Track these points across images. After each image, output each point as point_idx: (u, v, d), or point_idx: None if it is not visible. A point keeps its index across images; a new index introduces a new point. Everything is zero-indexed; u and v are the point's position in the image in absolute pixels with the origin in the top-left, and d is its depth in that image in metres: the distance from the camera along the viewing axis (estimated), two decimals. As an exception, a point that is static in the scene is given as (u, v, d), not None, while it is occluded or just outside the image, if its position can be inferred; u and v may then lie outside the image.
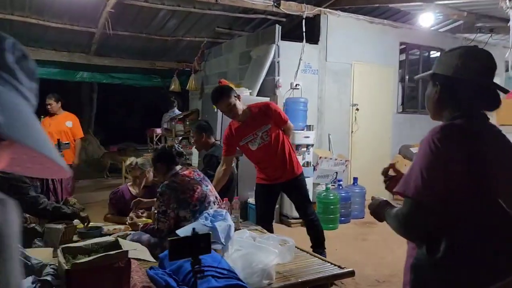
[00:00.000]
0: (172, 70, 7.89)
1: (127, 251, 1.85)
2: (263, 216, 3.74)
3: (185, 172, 2.84)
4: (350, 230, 5.18)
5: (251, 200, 5.12)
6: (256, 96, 5.38)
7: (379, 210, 1.51)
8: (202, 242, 1.60)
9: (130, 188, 3.90)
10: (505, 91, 1.44)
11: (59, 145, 4.38)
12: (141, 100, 13.91)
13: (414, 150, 6.34)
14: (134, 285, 1.97)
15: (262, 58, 5.34)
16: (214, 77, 6.93)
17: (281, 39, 5.48)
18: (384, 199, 1.56)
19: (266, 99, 5.32)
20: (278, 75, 5.35)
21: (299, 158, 5.26)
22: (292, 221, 5.26)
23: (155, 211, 2.76)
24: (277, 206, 5.31)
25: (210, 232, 1.65)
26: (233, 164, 4.15)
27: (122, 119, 14.28)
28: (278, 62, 5.36)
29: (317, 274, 2.32)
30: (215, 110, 4.99)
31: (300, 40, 5.56)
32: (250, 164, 5.11)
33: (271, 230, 3.73)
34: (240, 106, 3.33)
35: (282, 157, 3.47)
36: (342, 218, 5.37)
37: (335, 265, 2.50)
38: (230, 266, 2.16)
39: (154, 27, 6.29)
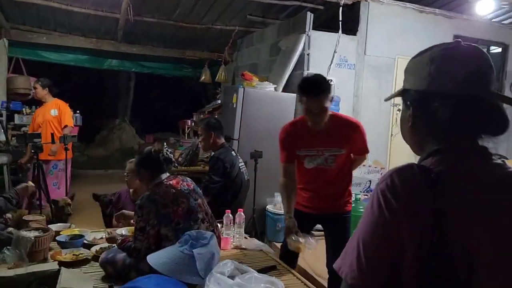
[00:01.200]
0: (203, 60, 7.50)
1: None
2: (289, 252, 2.83)
3: (171, 182, 2.40)
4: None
5: (271, 208, 4.63)
6: (282, 92, 4.85)
7: None
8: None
9: (131, 191, 3.54)
10: None
11: (64, 138, 4.10)
12: (184, 90, 13.69)
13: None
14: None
15: (290, 50, 4.79)
16: (245, 68, 6.44)
17: (315, 29, 4.89)
18: None
19: (293, 96, 4.79)
20: (308, 69, 4.78)
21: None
22: (316, 233, 4.69)
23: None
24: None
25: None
26: (243, 168, 3.66)
27: (162, 109, 14.17)
28: (308, 54, 4.78)
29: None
30: (234, 106, 4.52)
31: (336, 31, 4.94)
32: (270, 165, 4.63)
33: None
34: (327, 113, 2.53)
35: (338, 189, 2.73)
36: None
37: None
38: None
39: (181, 13, 5.89)
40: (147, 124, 12.73)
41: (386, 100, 1.27)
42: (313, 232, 2.96)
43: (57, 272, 1.67)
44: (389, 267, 0.85)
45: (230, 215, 3.02)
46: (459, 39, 1.02)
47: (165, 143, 2.67)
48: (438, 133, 0.95)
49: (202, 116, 7.26)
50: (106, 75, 11.78)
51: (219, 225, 3.14)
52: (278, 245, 4.51)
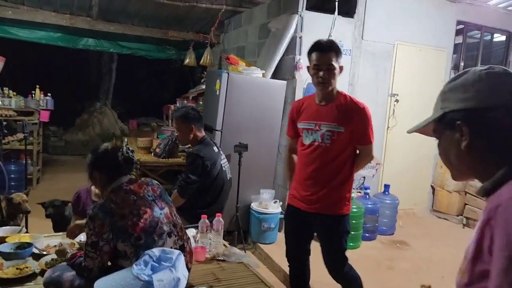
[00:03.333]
0: (188, 42, 6.97)
1: None
2: (291, 253, 2.83)
3: (132, 187, 1.97)
4: (374, 252, 4.19)
5: (255, 206, 4.23)
6: (271, 78, 4.40)
7: None
8: None
9: (93, 190, 3.10)
10: None
11: (23, 125, 3.61)
12: (171, 73, 13.07)
13: (463, 154, 5.20)
14: None
15: (281, 32, 4.33)
16: (232, 51, 5.97)
17: (308, 9, 4.43)
18: None
19: (283, 83, 4.35)
20: (300, 54, 4.32)
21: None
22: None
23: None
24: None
25: None
26: (225, 166, 3.24)
27: (147, 93, 13.57)
28: (300, 37, 4.32)
29: None
30: (217, 93, 4.07)
31: (331, 12, 4.48)
32: (255, 160, 4.22)
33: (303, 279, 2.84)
34: (336, 81, 2.50)
35: (330, 178, 2.51)
36: (367, 235, 4.39)
37: None
38: None
39: (162, -12, 5.37)
40: (130, 108, 12.20)
41: (410, 132, 1.18)
42: None
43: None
44: None
45: (207, 221, 2.62)
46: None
47: (126, 140, 2.20)
48: (503, 150, 0.95)
49: (186, 101, 6.78)
50: (89, 56, 11.18)
51: (194, 231, 2.75)
52: (263, 246, 4.14)
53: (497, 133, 0.95)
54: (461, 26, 5.47)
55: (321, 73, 2.45)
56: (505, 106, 0.94)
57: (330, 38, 2.73)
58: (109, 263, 1.92)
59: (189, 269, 2.07)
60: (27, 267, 2.17)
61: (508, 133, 0.94)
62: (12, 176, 5.47)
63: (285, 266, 3.69)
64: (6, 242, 2.43)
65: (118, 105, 11.90)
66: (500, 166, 0.94)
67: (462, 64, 5.59)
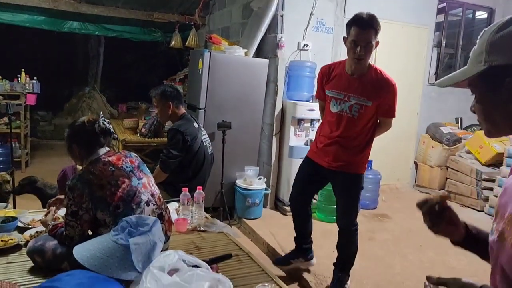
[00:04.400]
0: (174, 24, 6.96)
1: None
2: (296, 197, 3.08)
3: (110, 159, 2.03)
4: (356, 225, 4.32)
5: (240, 182, 4.33)
6: (253, 57, 4.45)
7: None
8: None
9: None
10: None
11: (7, 106, 3.64)
12: (160, 56, 13.00)
13: (445, 130, 5.32)
14: None
15: (262, 10, 4.36)
16: (217, 32, 5.98)
17: (289, -12, 4.45)
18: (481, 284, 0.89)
19: (265, 62, 4.40)
20: (282, 32, 4.37)
21: (302, 134, 4.39)
22: (288, 208, 4.43)
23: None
24: (270, 188, 4.53)
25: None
26: (206, 141, 3.31)
27: (137, 76, 13.51)
28: (282, 15, 4.36)
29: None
30: (200, 72, 4.12)
31: (313, -10, 4.52)
32: (239, 137, 4.29)
33: (305, 226, 3.14)
34: (370, 55, 2.65)
35: (352, 145, 2.72)
36: (367, 201, 4.55)
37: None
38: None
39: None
40: (119, 92, 12.14)
41: (450, 81, 1.02)
42: None
43: None
44: None
45: (188, 194, 2.69)
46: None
47: (101, 113, 2.25)
48: None
49: (172, 83, 6.81)
50: (76, 41, 11.07)
51: (176, 204, 2.84)
52: (248, 221, 4.24)
53: None
54: (443, 5, 5.53)
55: (358, 49, 2.53)
56: None
57: (369, 12, 2.70)
58: (90, 232, 2.00)
59: (168, 237, 2.16)
60: (11, 239, 2.25)
61: None
62: (0, 159, 5.52)
63: (269, 239, 3.83)
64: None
65: (107, 89, 11.83)
66: None
67: (443, 42, 5.67)
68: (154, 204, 2.07)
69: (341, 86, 2.68)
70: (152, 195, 2.09)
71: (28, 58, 8.93)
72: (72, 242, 1.92)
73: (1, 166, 5.32)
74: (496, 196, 4.62)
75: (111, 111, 10.71)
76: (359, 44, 2.52)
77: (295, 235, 3.22)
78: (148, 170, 2.21)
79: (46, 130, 9.74)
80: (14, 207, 3.31)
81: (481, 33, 0.94)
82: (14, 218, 2.47)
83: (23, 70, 6.27)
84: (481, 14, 6.02)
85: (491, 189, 4.72)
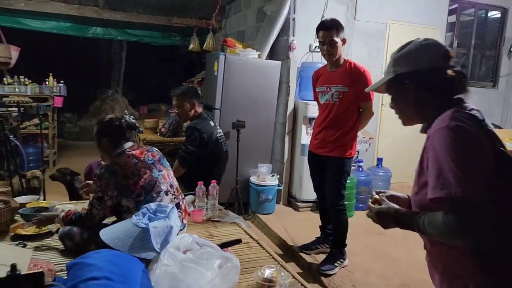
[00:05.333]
0: (192, 28, 7.23)
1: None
2: (316, 189, 3.58)
3: (134, 152, 2.27)
4: (366, 219, 4.45)
5: (254, 179, 4.53)
6: (266, 59, 4.65)
7: (398, 220, 1.32)
8: (27, 285, 1.03)
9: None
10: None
11: (38, 107, 3.94)
12: (179, 59, 13.36)
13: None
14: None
15: (275, 14, 4.56)
16: (234, 35, 6.21)
17: (301, -8, 4.64)
18: (394, 206, 1.36)
19: (278, 63, 4.60)
20: (293, 35, 4.56)
21: (312, 132, 4.56)
22: (301, 204, 4.62)
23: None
24: (283, 184, 4.71)
25: (43, 272, 1.07)
26: (221, 139, 3.53)
27: (157, 79, 13.90)
28: (293, 19, 4.55)
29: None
30: (215, 74, 4.35)
31: (324, -6, 4.69)
32: (253, 136, 4.50)
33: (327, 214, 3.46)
34: (340, 51, 3.17)
35: (338, 128, 3.16)
36: (360, 205, 4.65)
37: (304, 286, 1.90)
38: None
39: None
40: (140, 95, 12.53)
41: (368, 90, 1.61)
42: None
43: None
44: (487, 172, 1.14)
45: (203, 187, 2.90)
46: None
47: (126, 111, 2.50)
48: (438, 97, 1.29)
49: (191, 85, 7.06)
50: (99, 46, 11.49)
51: (193, 197, 3.05)
52: (261, 216, 4.44)
53: (434, 86, 1.30)
54: (454, 6, 5.61)
55: (325, 47, 3.10)
56: (438, 67, 1.30)
57: (332, 17, 3.23)
58: (115, 218, 2.23)
59: (184, 225, 2.38)
60: (44, 227, 2.50)
61: (441, 86, 1.30)
62: (30, 158, 5.87)
63: (281, 232, 4.02)
64: (26, 207, 2.77)
65: (129, 92, 12.24)
66: (437, 110, 1.26)
67: (456, 41, 5.75)
68: (172, 194, 2.29)
69: (324, 81, 3.23)
70: (171, 186, 2.31)
71: (55, 63, 9.35)
72: (93, 221, 2.16)
73: (31, 165, 5.66)
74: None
75: (132, 112, 11.08)
76: (325, 43, 3.09)
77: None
78: (168, 163, 2.43)
79: (72, 132, 10.17)
80: (45, 198, 3.60)
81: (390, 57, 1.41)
82: (46, 208, 2.73)
83: (51, 74, 6.63)
84: (495, 14, 6.06)
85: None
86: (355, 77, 3.09)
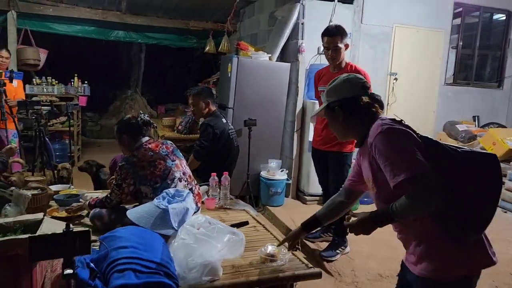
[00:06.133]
0: (208, 31, 7.57)
1: (26, 238, 1.66)
2: (320, 182, 3.79)
3: (150, 145, 2.60)
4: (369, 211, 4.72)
5: (264, 173, 4.83)
6: (276, 61, 4.95)
7: (376, 220, 1.55)
8: (78, 241, 1.36)
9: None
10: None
11: (67, 106, 4.32)
12: (196, 60, 13.77)
13: (461, 127, 5.62)
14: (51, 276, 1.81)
15: (285, 19, 4.85)
16: (247, 38, 6.54)
17: (310, -2, 4.92)
18: (367, 212, 1.60)
19: (287, 65, 4.90)
20: (302, 39, 4.85)
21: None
22: (308, 198, 4.91)
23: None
24: (292, 179, 5.00)
25: (90, 230, 1.39)
26: (233, 135, 3.83)
27: (174, 80, 14.33)
28: (302, 23, 4.84)
29: (272, 273, 2.03)
30: (229, 75, 4.67)
31: (332, 0, 4.96)
32: (263, 133, 4.81)
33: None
34: (343, 55, 3.40)
35: None
36: (365, 199, 4.89)
37: (302, 262, 2.19)
38: (169, 258, 1.92)
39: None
40: (159, 95, 12.96)
41: (312, 117, 2.10)
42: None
43: (40, 221, 1.89)
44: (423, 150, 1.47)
45: (216, 178, 3.21)
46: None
47: (140, 111, 2.84)
48: (362, 116, 1.67)
49: (206, 86, 7.41)
50: (120, 48, 11.96)
51: (207, 187, 3.37)
52: (271, 208, 4.74)
53: (357, 110, 1.67)
54: (459, 10, 5.81)
55: (329, 52, 3.35)
56: (357, 95, 1.68)
57: (337, 24, 3.48)
58: (136, 203, 2.56)
59: (198, 207, 2.69)
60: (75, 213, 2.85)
61: (363, 110, 1.66)
62: (57, 153, 6.29)
63: (289, 223, 4.31)
64: (59, 193, 3.14)
65: (147, 92, 12.68)
66: (363, 127, 1.64)
67: (460, 43, 5.95)
68: (185, 181, 2.61)
69: (326, 81, 3.34)
70: (184, 173, 2.63)
71: (79, 65, 9.82)
72: (111, 203, 2.49)
73: (58, 160, 6.08)
74: (507, 190, 4.90)
75: (150, 112, 11.50)
76: (330, 48, 3.33)
77: None
78: (181, 154, 2.75)
79: (94, 130, 10.65)
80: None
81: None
82: (77, 195, 3.09)
83: (76, 75, 7.07)
84: (500, 17, 6.23)
85: (503, 183, 4.98)
86: None
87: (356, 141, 1.75)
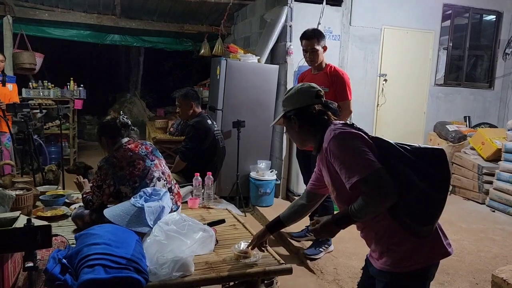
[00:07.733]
0: (203, 34, 7.65)
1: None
2: (306, 182, 3.66)
3: (129, 146, 2.65)
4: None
5: (253, 174, 4.88)
6: (265, 63, 5.01)
7: (337, 223, 1.63)
8: (39, 235, 1.42)
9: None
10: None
11: (58, 109, 4.39)
12: (193, 64, 13.88)
13: (451, 128, 5.65)
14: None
15: (274, 22, 4.92)
16: (241, 41, 6.61)
17: (298, 1, 4.98)
18: (328, 216, 1.68)
19: (276, 67, 4.96)
20: (290, 41, 4.90)
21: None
22: (298, 198, 4.95)
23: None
24: (281, 179, 5.05)
25: (50, 225, 1.45)
26: (218, 136, 3.89)
27: (173, 83, 14.43)
28: (290, 26, 4.90)
29: (244, 269, 2.08)
30: (218, 77, 4.73)
31: (320, 2, 5.02)
32: (252, 134, 4.86)
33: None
34: (322, 57, 3.50)
35: None
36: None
37: (275, 258, 2.23)
38: (141, 254, 1.98)
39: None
40: (157, 98, 13.06)
41: (271, 126, 2.25)
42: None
43: (16, 218, 1.96)
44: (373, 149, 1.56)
45: (199, 178, 3.26)
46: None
47: (121, 112, 2.90)
48: (316, 123, 1.74)
49: (201, 89, 7.49)
50: (118, 51, 12.08)
51: (191, 187, 3.42)
52: (261, 209, 4.79)
53: (311, 118, 1.74)
54: (448, 12, 5.85)
55: (307, 55, 3.47)
56: (311, 104, 1.74)
57: (315, 27, 3.68)
58: (117, 202, 2.61)
59: (178, 206, 2.75)
60: (61, 210, 2.92)
61: (317, 117, 1.73)
62: (52, 156, 6.39)
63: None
64: (45, 194, 3.21)
65: (147, 95, 12.78)
66: (317, 133, 1.72)
67: (450, 44, 5.98)
68: (164, 180, 2.66)
69: (308, 82, 3.45)
70: (163, 173, 2.69)
71: (76, 68, 9.94)
72: (92, 206, 2.53)
73: (53, 162, 6.16)
74: (495, 190, 4.93)
75: (149, 115, 11.59)
76: (308, 51, 3.44)
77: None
78: (160, 154, 2.80)
79: (92, 133, 10.73)
80: (64, 189, 4.04)
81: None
82: (63, 195, 3.16)
83: (72, 78, 7.16)
84: (491, 18, 6.25)
85: (491, 182, 5.01)
86: (334, 78, 3.44)
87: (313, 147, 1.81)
